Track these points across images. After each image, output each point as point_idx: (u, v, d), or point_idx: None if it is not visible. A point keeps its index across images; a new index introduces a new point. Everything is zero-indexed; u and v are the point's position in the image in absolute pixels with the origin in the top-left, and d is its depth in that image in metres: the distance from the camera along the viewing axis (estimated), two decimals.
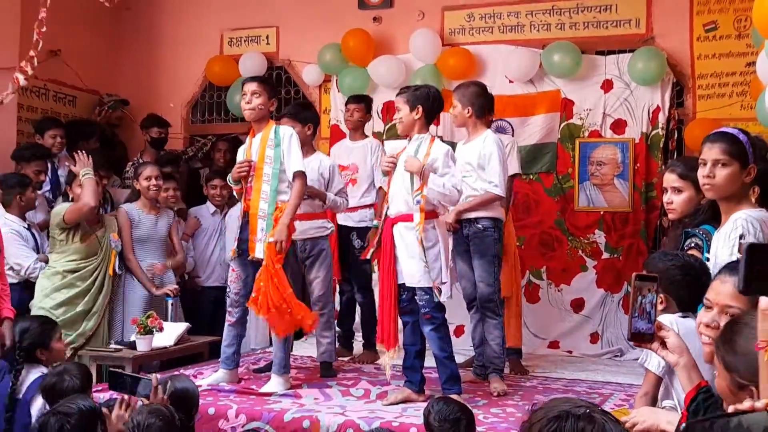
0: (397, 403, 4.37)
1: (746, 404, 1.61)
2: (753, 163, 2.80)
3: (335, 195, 5.32)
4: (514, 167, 5.48)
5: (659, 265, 2.92)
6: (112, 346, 5.20)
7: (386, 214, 4.56)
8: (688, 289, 2.78)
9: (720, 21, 6.35)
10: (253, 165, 4.75)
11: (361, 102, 6.14)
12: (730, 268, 2.13)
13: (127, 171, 6.86)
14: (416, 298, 4.43)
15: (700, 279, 2.75)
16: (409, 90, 4.60)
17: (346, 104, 6.22)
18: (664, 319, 2.53)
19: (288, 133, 4.78)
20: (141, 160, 6.90)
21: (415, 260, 4.37)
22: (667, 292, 2.82)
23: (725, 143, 2.86)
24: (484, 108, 5.05)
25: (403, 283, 4.46)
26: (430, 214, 4.45)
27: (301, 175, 4.70)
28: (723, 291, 2.13)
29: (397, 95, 4.63)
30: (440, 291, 4.40)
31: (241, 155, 4.90)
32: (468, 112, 4.98)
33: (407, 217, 4.43)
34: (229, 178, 4.92)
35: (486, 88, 5.15)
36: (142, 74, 7.99)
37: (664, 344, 2.26)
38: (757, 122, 5.32)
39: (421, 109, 4.49)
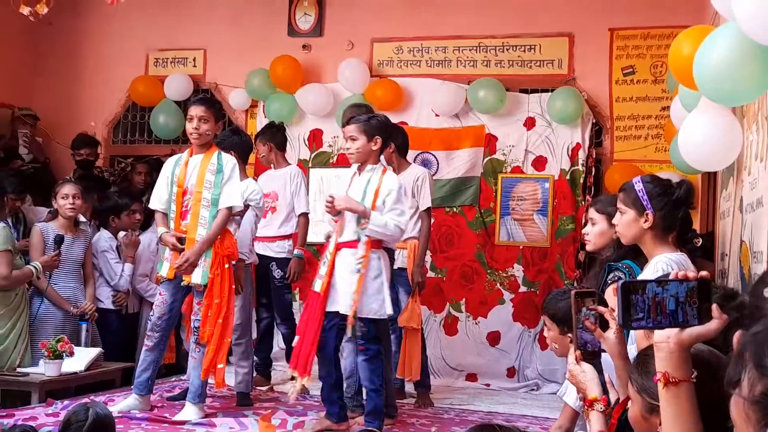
0: None
1: None
2: (650, 210, 2.91)
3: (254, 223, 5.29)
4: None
5: (560, 305, 3.01)
6: (19, 370, 4.99)
7: (331, 240, 4.48)
8: None
9: (638, 66, 6.60)
10: (190, 191, 4.66)
11: (259, 137, 6.04)
12: None
13: None
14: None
15: None
16: (363, 121, 4.48)
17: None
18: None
19: (231, 163, 4.73)
20: None
21: (355, 289, 4.32)
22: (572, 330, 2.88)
23: (621, 193, 3.06)
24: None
25: (333, 311, 4.40)
26: (375, 243, 4.41)
27: (229, 210, 4.65)
28: None
29: (345, 125, 4.51)
30: (374, 323, 4.36)
31: (170, 167, 4.79)
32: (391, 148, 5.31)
33: (352, 244, 4.38)
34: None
35: None
36: (63, 91, 7.81)
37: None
38: (671, 164, 5.53)
39: (378, 140, 4.46)
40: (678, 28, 4.69)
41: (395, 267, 5.45)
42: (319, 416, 4.55)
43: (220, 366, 4.63)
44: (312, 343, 4.35)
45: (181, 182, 4.68)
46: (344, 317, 4.33)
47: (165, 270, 4.69)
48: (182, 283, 4.62)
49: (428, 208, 5.52)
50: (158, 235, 4.81)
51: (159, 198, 4.79)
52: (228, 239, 4.66)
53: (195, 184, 4.65)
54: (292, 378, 5.09)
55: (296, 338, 4.51)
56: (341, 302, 4.35)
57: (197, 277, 4.57)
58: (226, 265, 4.61)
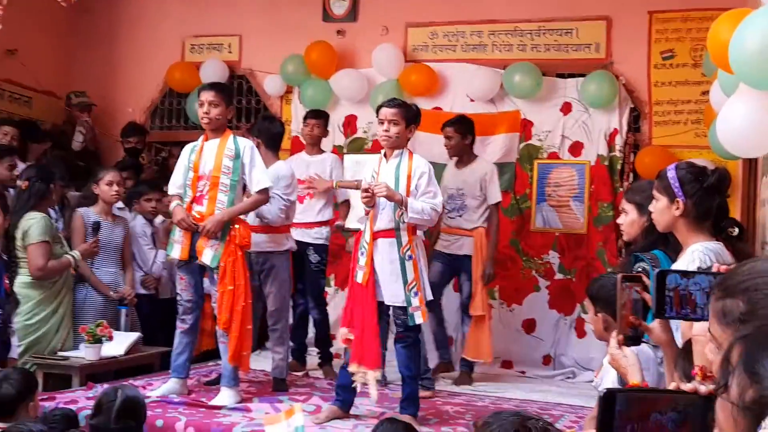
0: (327, 421, 4.33)
1: (690, 385, 1.56)
2: (681, 197, 2.86)
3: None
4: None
5: (596, 284, 3.03)
6: (61, 354, 5.09)
7: (365, 229, 4.45)
8: None
9: (677, 49, 6.48)
10: (206, 175, 4.71)
11: (321, 117, 6.12)
12: None
13: None
14: (392, 316, 4.43)
15: None
16: (403, 106, 4.47)
17: (305, 119, 6.19)
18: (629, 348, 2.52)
19: (248, 145, 4.78)
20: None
21: (398, 279, 4.33)
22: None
23: (657, 180, 3.00)
24: None
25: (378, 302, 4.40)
26: (412, 229, 4.42)
27: (265, 191, 4.71)
28: None
29: (386, 107, 4.41)
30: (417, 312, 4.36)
31: (186, 154, 4.85)
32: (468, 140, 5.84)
33: (389, 233, 4.37)
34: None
35: None
36: (100, 78, 7.88)
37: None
38: (710, 150, 5.43)
39: (414, 128, 4.51)
40: (718, 10, 4.57)
41: (462, 253, 5.74)
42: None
43: (244, 353, 4.70)
44: (375, 335, 4.35)
45: (197, 167, 4.74)
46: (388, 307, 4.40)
47: (176, 252, 4.75)
48: (195, 262, 4.69)
49: (497, 202, 5.83)
50: (171, 208, 4.81)
51: (175, 183, 4.88)
52: (243, 229, 4.71)
53: (212, 169, 4.70)
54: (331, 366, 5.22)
55: (343, 331, 4.43)
56: (385, 293, 4.37)
57: (207, 259, 4.63)
58: (240, 253, 4.66)
